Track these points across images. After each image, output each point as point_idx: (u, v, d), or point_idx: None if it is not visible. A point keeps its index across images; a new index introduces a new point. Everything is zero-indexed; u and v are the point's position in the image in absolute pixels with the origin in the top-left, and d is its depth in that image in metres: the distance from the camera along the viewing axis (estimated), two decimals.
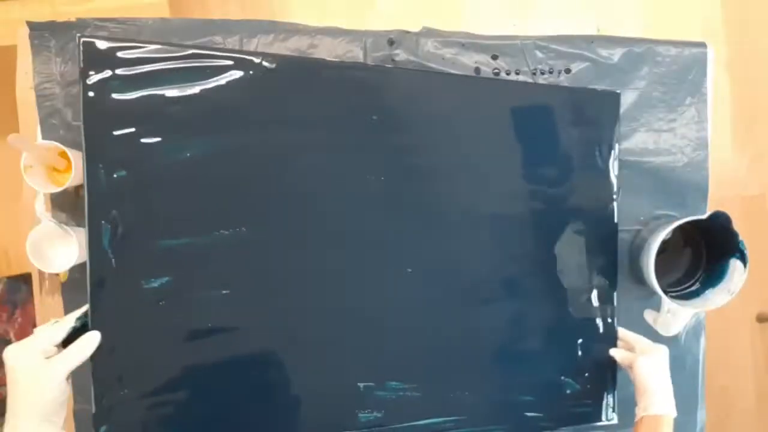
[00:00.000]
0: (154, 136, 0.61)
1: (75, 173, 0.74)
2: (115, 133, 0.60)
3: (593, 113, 0.80)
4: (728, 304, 0.78)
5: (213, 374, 0.65)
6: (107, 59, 0.60)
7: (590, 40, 0.88)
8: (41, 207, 0.83)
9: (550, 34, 0.88)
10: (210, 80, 0.63)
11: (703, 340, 0.90)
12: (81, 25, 0.83)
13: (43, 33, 0.82)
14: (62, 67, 0.82)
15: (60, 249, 0.76)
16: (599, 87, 0.86)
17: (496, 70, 0.86)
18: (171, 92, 0.62)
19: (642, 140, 0.87)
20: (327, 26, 0.85)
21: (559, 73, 0.86)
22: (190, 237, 0.63)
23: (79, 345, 0.58)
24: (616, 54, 0.87)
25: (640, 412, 0.70)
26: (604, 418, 0.80)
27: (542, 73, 0.86)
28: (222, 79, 0.63)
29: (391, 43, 0.84)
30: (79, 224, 0.82)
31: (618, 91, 0.82)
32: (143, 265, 0.62)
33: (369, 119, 0.69)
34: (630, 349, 0.77)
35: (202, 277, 0.64)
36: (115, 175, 0.60)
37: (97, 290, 0.60)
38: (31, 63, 0.82)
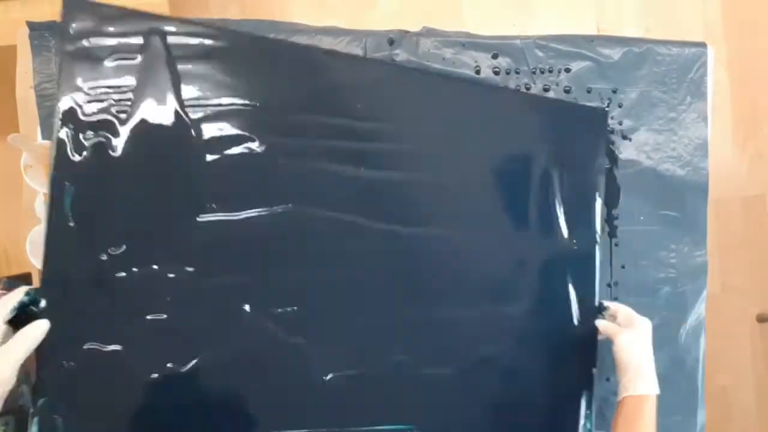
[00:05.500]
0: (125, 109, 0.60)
1: None
2: (89, 97, 0.59)
3: (579, 129, 0.80)
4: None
5: (167, 355, 0.61)
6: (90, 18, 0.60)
7: (590, 40, 0.88)
8: (41, 207, 0.83)
9: (551, 33, 0.88)
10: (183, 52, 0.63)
11: (703, 340, 0.90)
12: None
13: (43, 33, 0.82)
14: None
15: None
16: (598, 85, 0.86)
17: (496, 70, 0.86)
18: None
19: (642, 140, 0.87)
20: (327, 26, 0.85)
21: (559, 72, 0.86)
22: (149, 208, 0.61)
23: (26, 333, 0.55)
24: (617, 53, 0.87)
25: (621, 391, 0.69)
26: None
27: (542, 72, 0.86)
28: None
29: (391, 43, 0.84)
30: None
31: (606, 109, 0.83)
32: (104, 233, 0.59)
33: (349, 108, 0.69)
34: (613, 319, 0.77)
35: (167, 252, 0.61)
36: (86, 142, 0.59)
37: (52, 255, 0.58)
38: (31, 63, 0.82)
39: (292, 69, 0.67)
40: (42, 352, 0.57)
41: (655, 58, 0.88)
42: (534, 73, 0.86)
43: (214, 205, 0.62)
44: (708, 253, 0.89)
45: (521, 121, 0.78)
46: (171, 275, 0.60)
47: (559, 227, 0.77)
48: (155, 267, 0.60)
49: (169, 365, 0.61)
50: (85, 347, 0.59)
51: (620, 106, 0.87)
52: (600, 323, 0.77)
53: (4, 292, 0.58)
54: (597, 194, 0.80)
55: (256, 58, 0.66)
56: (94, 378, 0.59)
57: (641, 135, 0.87)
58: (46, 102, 0.82)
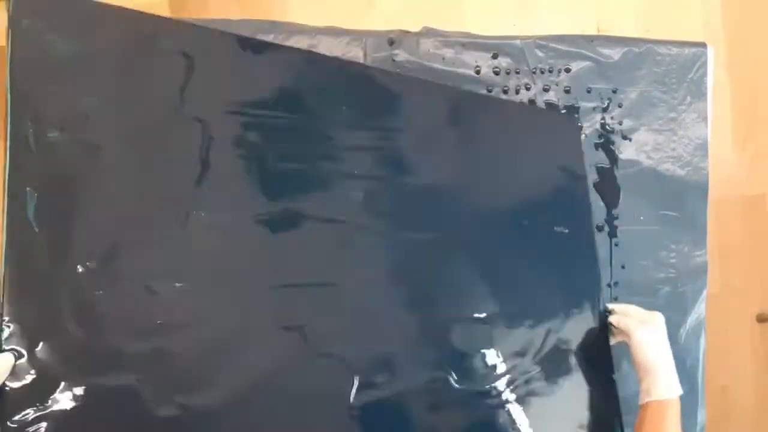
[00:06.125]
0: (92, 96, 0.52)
1: None
2: (49, 88, 0.50)
3: (555, 137, 0.80)
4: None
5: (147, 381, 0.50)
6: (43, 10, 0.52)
7: (590, 40, 0.88)
8: None
9: (551, 33, 0.88)
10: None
11: (703, 340, 0.90)
12: None
13: None
14: None
15: None
16: (598, 85, 0.86)
17: (496, 70, 0.86)
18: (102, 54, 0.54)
19: (642, 140, 0.87)
20: (327, 26, 0.85)
21: (559, 72, 0.86)
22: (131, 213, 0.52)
23: None
24: (617, 53, 0.87)
25: (643, 395, 0.67)
26: None
27: (542, 72, 0.86)
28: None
29: (391, 43, 0.84)
30: None
31: (580, 123, 0.85)
32: (77, 243, 0.49)
33: (339, 111, 0.66)
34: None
35: (150, 265, 0.52)
36: (48, 135, 0.49)
37: (14, 270, 0.46)
38: None
39: (275, 70, 0.64)
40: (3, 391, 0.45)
41: (655, 58, 0.88)
42: (534, 73, 0.86)
43: (202, 213, 0.55)
44: (708, 253, 0.89)
45: (495, 128, 0.77)
46: (158, 291, 0.51)
47: (554, 232, 0.76)
48: (139, 282, 0.51)
49: (173, 398, 0.51)
50: (62, 386, 0.46)
51: (620, 106, 0.87)
52: (614, 318, 0.74)
53: None
54: (587, 196, 0.80)
55: (240, 59, 0.62)
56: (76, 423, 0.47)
57: (641, 135, 0.87)
58: None
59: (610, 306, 0.77)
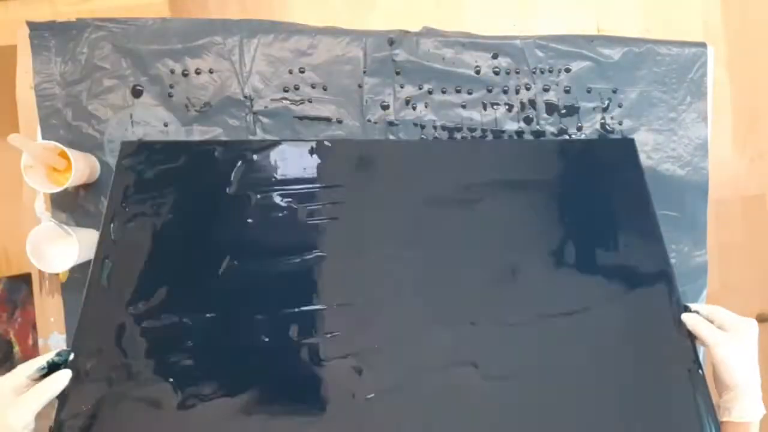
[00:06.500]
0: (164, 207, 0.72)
1: (75, 173, 0.74)
2: (132, 198, 0.72)
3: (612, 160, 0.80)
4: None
5: (195, 392, 0.62)
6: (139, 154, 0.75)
7: (590, 40, 0.88)
8: (41, 207, 0.83)
9: (551, 33, 0.88)
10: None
11: None
12: (81, 25, 0.83)
13: (43, 33, 0.82)
14: (62, 67, 0.83)
15: (60, 249, 0.76)
16: (598, 85, 0.86)
17: (496, 70, 0.86)
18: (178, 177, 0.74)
19: (642, 140, 0.87)
20: (327, 26, 0.85)
21: (559, 72, 0.87)
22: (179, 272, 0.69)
23: (47, 384, 0.57)
24: (617, 53, 0.87)
25: (722, 412, 0.61)
26: None
27: (542, 72, 0.86)
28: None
29: (391, 43, 0.84)
30: (79, 224, 0.82)
31: (632, 137, 0.84)
32: (134, 295, 0.67)
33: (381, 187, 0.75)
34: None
35: (190, 303, 0.67)
36: (127, 225, 0.71)
37: (86, 315, 0.65)
38: (31, 63, 0.82)
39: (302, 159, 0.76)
40: (62, 397, 0.59)
41: (655, 58, 0.88)
42: (534, 73, 0.86)
43: (235, 262, 0.69)
44: (708, 253, 0.89)
45: (553, 168, 0.78)
46: (190, 321, 0.66)
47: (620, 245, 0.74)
48: (178, 316, 0.66)
49: (196, 402, 0.62)
50: (108, 391, 0.61)
51: (620, 106, 0.87)
52: (689, 319, 0.65)
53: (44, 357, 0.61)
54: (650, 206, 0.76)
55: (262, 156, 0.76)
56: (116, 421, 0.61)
57: (641, 135, 0.87)
58: (46, 102, 0.82)
59: (694, 306, 0.68)
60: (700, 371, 0.66)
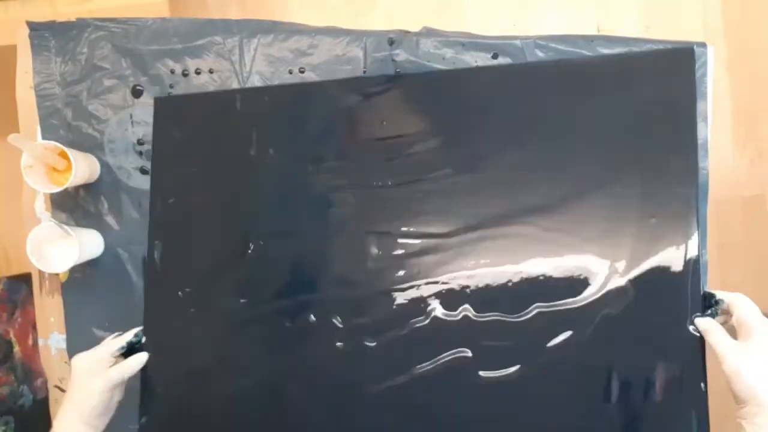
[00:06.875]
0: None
1: (75, 173, 0.74)
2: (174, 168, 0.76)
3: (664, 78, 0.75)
4: None
5: (238, 373, 0.71)
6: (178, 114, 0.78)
7: (590, 40, 0.88)
8: (41, 207, 0.83)
9: (551, 33, 0.88)
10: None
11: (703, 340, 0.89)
12: (81, 25, 0.83)
13: (43, 33, 0.83)
14: (62, 67, 0.83)
15: (60, 249, 0.76)
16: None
17: None
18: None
19: None
20: (327, 26, 0.85)
21: None
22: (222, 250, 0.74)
23: (128, 362, 0.67)
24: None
25: (739, 419, 0.58)
26: None
27: None
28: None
29: (391, 43, 0.84)
30: (79, 224, 0.82)
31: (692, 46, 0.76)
32: (181, 277, 0.73)
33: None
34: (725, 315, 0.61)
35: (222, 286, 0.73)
36: (169, 201, 0.75)
37: (148, 298, 0.73)
38: (31, 63, 0.83)
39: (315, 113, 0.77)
40: (143, 378, 0.70)
41: None
42: None
43: (261, 242, 0.73)
44: (708, 253, 0.89)
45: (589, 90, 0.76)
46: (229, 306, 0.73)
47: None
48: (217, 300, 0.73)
49: (241, 382, 0.71)
50: (177, 372, 0.72)
51: None
52: (702, 324, 0.61)
53: (119, 333, 0.72)
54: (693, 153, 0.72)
55: (297, 108, 0.77)
56: (184, 400, 0.72)
57: None
58: (45, 102, 0.82)
59: (718, 294, 0.62)
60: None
